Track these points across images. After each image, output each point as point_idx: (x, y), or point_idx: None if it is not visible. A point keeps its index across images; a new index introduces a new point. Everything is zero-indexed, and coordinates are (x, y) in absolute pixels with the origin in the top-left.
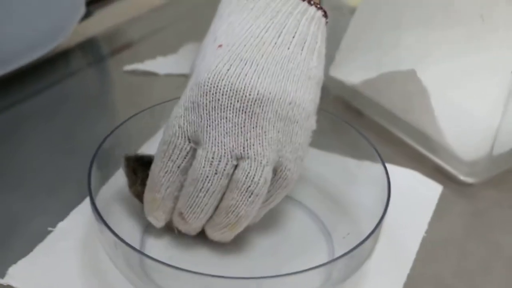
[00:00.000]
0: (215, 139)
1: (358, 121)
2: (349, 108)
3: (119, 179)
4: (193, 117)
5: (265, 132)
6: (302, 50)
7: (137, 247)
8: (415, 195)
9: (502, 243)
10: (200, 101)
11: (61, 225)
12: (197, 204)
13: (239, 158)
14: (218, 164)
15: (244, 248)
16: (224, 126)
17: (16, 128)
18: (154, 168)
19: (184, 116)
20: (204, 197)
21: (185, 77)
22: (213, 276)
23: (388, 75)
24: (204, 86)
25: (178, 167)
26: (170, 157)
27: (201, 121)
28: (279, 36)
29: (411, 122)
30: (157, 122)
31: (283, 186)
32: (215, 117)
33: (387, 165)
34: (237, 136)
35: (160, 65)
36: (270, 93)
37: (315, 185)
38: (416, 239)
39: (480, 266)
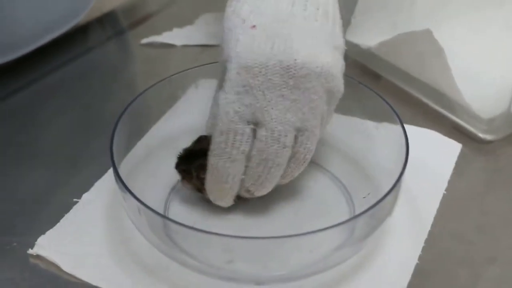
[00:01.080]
0: (277, 117)
1: (375, 83)
2: (366, 71)
3: (140, 149)
4: (248, 100)
5: (317, 105)
6: (327, 21)
7: (161, 212)
8: (434, 155)
9: None
10: (253, 83)
11: (86, 196)
12: (268, 180)
13: (299, 131)
14: (285, 139)
15: (268, 210)
16: (282, 104)
17: (38, 104)
18: (218, 161)
19: (238, 101)
20: (275, 171)
21: (202, 47)
22: (236, 237)
23: (404, 36)
24: (253, 68)
25: (243, 153)
26: (233, 145)
27: (257, 103)
28: (305, 9)
29: (428, 82)
30: (174, 91)
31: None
32: (271, 96)
33: (406, 126)
34: (296, 111)
35: (177, 36)
36: (316, 67)
37: (334, 148)
38: (437, 197)
39: (501, 221)
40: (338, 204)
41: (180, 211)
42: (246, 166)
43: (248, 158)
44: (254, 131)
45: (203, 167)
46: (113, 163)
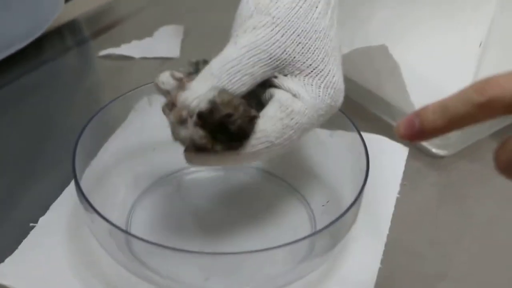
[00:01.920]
0: None
1: None
2: None
3: (96, 166)
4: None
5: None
6: (334, 22)
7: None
8: (384, 159)
9: (474, 213)
10: None
11: (43, 219)
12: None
13: None
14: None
15: (230, 226)
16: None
17: None
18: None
19: None
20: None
21: (161, 59)
22: (215, 254)
23: (360, 51)
24: None
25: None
26: None
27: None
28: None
29: (384, 97)
30: (129, 108)
31: None
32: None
33: (354, 133)
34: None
35: (136, 48)
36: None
37: (291, 158)
38: (391, 201)
39: (452, 236)
40: (298, 215)
41: (144, 228)
42: None
43: None
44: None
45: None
46: (76, 183)
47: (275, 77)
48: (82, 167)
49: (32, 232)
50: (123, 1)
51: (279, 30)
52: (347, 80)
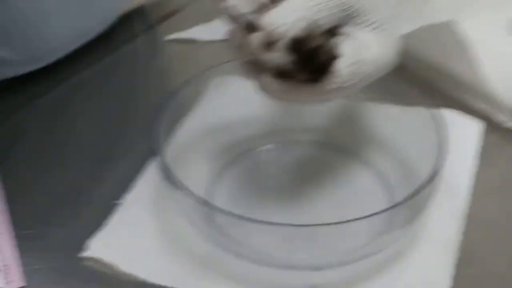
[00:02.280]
0: None
1: (402, 75)
2: None
3: (176, 144)
4: None
5: None
6: None
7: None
8: (459, 135)
9: None
10: None
11: (128, 197)
12: None
13: None
14: None
15: (310, 201)
16: None
17: (70, 103)
18: None
19: None
20: None
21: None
22: (300, 225)
23: (427, 28)
24: None
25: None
26: None
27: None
28: None
29: (454, 73)
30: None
31: None
32: None
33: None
34: None
35: (202, 31)
36: None
37: (366, 136)
38: (468, 176)
39: None
40: (375, 188)
41: (226, 202)
42: None
43: None
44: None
45: None
46: (161, 159)
47: (347, 25)
48: (162, 144)
49: (119, 209)
50: None
51: None
52: (415, 58)
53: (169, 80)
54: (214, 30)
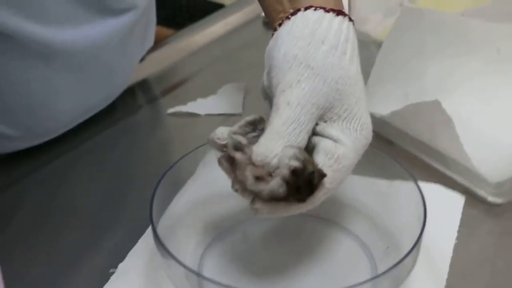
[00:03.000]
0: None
1: (388, 149)
2: (379, 138)
3: (169, 216)
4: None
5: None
6: (359, 67)
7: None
8: (441, 207)
9: None
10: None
11: (122, 265)
12: None
13: None
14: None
15: (291, 269)
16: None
17: (69, 174)
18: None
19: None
20: None
21: (224, 116)
22: None
23: (414, 106)
24: None
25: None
26: None
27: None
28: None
29: (438, 149)
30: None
31: None
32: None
33: (411, 182)
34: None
35: (201, 106)
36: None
37: (351, 207)
38: (448, 248)
39: (511, 284)
40: (359, 259)
41: (215, 273)
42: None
43: None
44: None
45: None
46: (154, 231)
47: (317, 124)
48: (157, 216)
49: (112, 277)
50: (188, 61)
51: (320, 80)
52: (401, 134)
53: (168, 153)
54: (214, 104)
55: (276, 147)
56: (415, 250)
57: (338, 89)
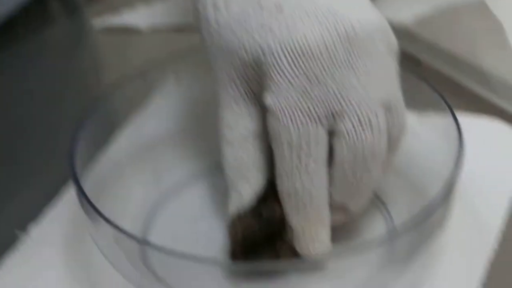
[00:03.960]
0: (359, 98)
1: (414, 70)
2: (401, 54)
3: (106, 163)
4: (315, 91)
5: (389, 68)
6: None
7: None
8: (493, 149)
9: None
10: (314, 68)
11: (34, 229)
12: (369, 184)
13: (386, 108)
14: (378, 121)
15: None
16: (357, 80)
17: None
18: (293, 185)
19: (303, 97)
20: (374, 167)
21: (177, 31)
22: (238, 264)
23: (449, 9)
24: (309, 48)
25: (322, 161)
26: (308, 156)
27: (328, 90)
28: None
29: (483, 66)
30: (148, 88)
31: None
32: (341, 76)
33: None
34: (375, 84)
35: (142, 16)
36: (373, 25)
37: None
38: (501, 205)
39: None
40: (374, 223)
41: (165, 239)
42: (332, 177)
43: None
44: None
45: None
46: (76, 183)
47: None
48: (83, 166)
49: (22, 244)
50: None
51: None
52: (430, 48)
53: (96, 83)
54: (161, 12)
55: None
56: (445, 202)
57: None
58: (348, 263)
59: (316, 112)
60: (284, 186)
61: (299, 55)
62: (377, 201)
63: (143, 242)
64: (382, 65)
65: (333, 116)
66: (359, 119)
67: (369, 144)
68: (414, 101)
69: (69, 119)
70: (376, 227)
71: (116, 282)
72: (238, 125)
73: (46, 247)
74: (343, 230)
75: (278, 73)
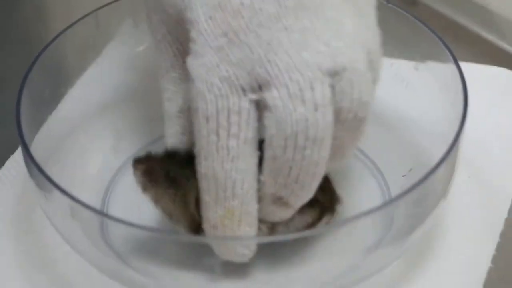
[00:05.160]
0: (290, 63)
1: (408, 10)
2: None
3: (55, 123)
4: (237, 54)
5: (342, 23)
6: None
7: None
8: (502, 101)
9: None
10: (236, 25)
11: None
12: (307, 170)
13: (333, 75)
14: (316, 93)
15: None
16: (289, 40)
17: None
18: (213, 166)
19: (222, 60)
20: (316, 151)
21: None
22: (210, 238)
23: None
24: (231, 3)
25: (247, 141)
26: (230, 133)
27: (252, 53)
28: None
29: (488, 6)
30: (102, 33)
31: None
32: (270, 35)
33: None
34: (314, 45)
35: None
36: None
37: None
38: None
39: None
40: (367, 188)
41: (125, 210)
42: (263, 161)
43: (260, 146)
44: (257, 103)
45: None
46: (26, 150)
47: None
48: (31, 128)
49: None
50: None
51: None
52: None
53: (42, 30)
54: None
55: None
56: (444, 167)
57: None
58: (343, 237)
59: (238, 80)
60: (201, 166)
61: (216, 8)
62: (371, 165)
63: (104, 214)
64: (334, 17)
65: (259, 85)
66: (287, 90)
67: (302, 121)
68: (408, 47)
69: (12, 76)
70: (370, 196)
71: (71, 261)
72: (177, 97)
73: None
74: None
75: (197, 31)
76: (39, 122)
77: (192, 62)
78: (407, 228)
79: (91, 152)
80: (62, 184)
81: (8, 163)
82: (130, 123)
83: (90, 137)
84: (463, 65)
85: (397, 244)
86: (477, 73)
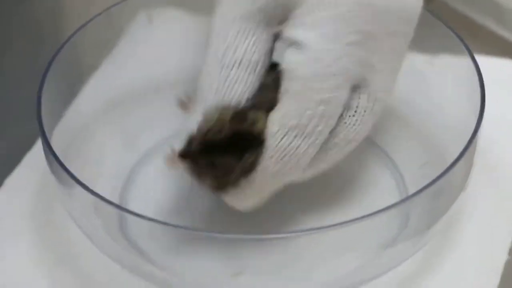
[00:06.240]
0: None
1: (425, 6)
2: None
3: (74, 118)
4: (360, 53)
5: None
6: None
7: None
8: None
9: None
10: (367, 28)
11: None
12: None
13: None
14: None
15: (282, 197)
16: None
17: None
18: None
19: (350, 54)
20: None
21: None
22: (229, 234)
23: None
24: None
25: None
26: (322, 119)
27: (370, 57)
28: None
29: (501, 2)
30: (116, 29)
31: None
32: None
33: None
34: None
35: None
36: None
37: None
38: None
39: None
40: (383, 182)
41: (145, 205)
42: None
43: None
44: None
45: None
46: (48, 145)
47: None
48: (51, 124)
49: None
50: None
51: None
52: None
53: (58, 26)
54: None
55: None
56: (464, 161)
57: None
58: (358, 233)
59: (354, 76)
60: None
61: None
62: (386, 160)
63: (128, 211)
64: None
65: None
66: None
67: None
68: (425, 42)
69: (30, 67)
70: (385, 189)
71: (92, 256)
72: (242, 49)
73: (9, 218)
74: (350, 197)
75: (335, 18)
76: (55, 120)
77: (306, 34)
78: (425, 222)
79: (108, 147)
80: (81, 180)
81: (25, 160)
82: (144, 118)
83: (106, 133)
84: (479, 58)
85: (414, 240)
86: (492, 66)
